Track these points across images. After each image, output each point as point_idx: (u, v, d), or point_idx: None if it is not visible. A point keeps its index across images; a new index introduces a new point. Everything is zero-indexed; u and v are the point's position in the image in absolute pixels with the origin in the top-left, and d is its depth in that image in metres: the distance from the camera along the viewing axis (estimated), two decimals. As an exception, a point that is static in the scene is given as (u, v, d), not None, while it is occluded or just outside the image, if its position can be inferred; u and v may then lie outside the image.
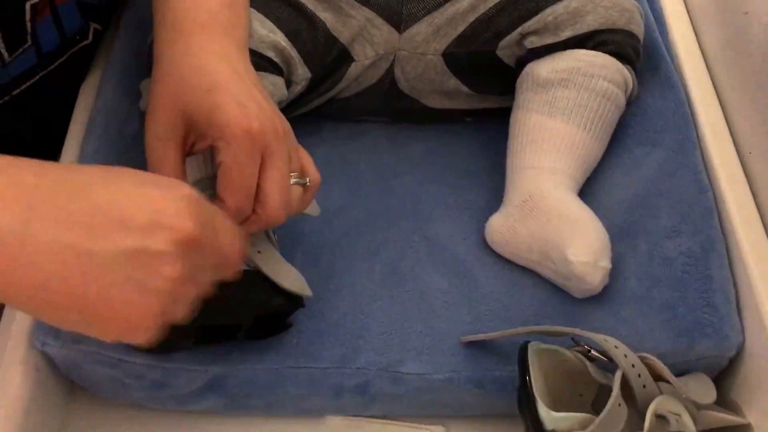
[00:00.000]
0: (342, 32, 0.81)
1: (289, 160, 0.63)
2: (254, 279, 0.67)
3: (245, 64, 0.67)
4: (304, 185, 0.66)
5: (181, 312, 0.52)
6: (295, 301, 0.70)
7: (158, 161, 0.63)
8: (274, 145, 0.61)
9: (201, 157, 0.65)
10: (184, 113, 0.62)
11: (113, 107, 0.83)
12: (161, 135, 0.64)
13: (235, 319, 0.69)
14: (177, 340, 0.69)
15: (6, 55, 0.76)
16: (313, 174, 0.67)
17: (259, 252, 0.68)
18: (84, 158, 0.79)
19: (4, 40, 0.75)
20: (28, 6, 0.75)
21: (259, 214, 0.62)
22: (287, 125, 0.64)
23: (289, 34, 0.79)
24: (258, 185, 0.61)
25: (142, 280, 0.49)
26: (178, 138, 0.63)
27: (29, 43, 0.78)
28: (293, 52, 0.79)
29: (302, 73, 0.81)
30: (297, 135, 0.66)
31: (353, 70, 0.84)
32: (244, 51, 0.68)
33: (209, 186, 0.63)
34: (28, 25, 0.76)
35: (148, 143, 0.64)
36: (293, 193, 0.65)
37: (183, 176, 0.64)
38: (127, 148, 0.79)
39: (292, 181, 0.64)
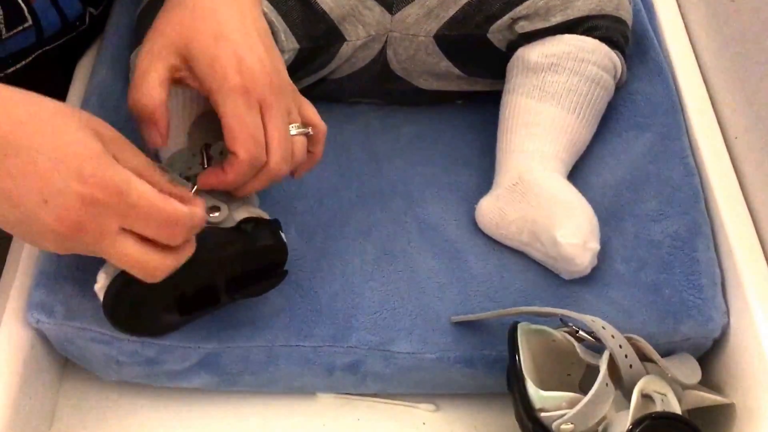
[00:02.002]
0: (333, 8, 0.81)
1: (287, 113, 0.64)
2: (206, 234, 0.64)
3: (257, 12, 0.67)
4: (307, 134, 0.67)
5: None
6: (266, 249, 0.68)
7: (144, 73, 0.63)
8: (270, 97, 0.62)
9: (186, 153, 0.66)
10: (185, 48, 0.63)
11: (108, 86, 0.83)
12: (155, 51, 0.63)
13: (205, 278, 0.67)
14: (159, 315, 0.69)
15: (4, 30, 0.76)
16: (319, 123, 0.68)
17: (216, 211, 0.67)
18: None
19: (3, 16, 0.75)
20: None
21: (238, 154, 0.63)
22: (287, 79, 0.65)
23: (272, 1, 0.79)
24: None
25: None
26: (170, 59, 0.63)
27: (29, 22, 0.78)
28: (274, 17, 0.79)
29: (287, 42, 0.81)
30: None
31: (345, 50, 0.84)
32: None
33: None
34: (23, 5, 0.77)
35: (141, 54, 0.64)
36: (297, 143, 0.65)
37: (162, 92, 0.64)
38: (122, 128, 0.79)
39: (294, 131, 0.65)
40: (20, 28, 0.78)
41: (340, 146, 0.86)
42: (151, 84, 0.63)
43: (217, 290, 0.68)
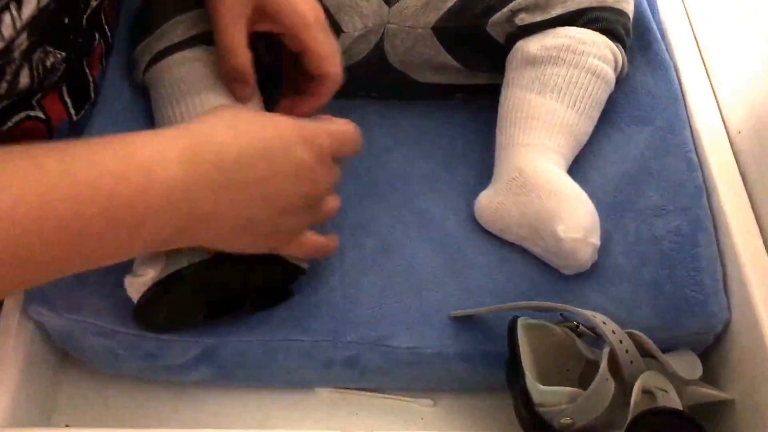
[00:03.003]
0: (331, 1, 0.81)
1: None
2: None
3: None
4: None
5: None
6: (294, 269, 0.71)
7: (233, 45, 0.72)
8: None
9: None
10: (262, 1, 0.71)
11: (108, 79, 0.82)
12: (235, 17, 0.72)
13: (243, 291, 0.70)
14: (189, 316, 0.70)
15: (74, 113, 0.77)
16: None
17: None
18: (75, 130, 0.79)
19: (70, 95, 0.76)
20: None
21: (331, 73, 0.74)
22: None
23: None
24: None
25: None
26: (246, 19, 0.72)
27: (92, 98, 0.80)
28: None
29: None
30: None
31: (342, 41, 0.83)
32: None
33: None
34: (90, 77, 0.78)
35: (222, 26, 0.72)
36: None
37: (249, 52, 0.73)
38: (119, 120, 0.79)
39: None
40: (87, 106, 0.79)
41: (339, 140, 0.86)
42: (241, 48, 0.72)
43: (245, 302, 0.72)
